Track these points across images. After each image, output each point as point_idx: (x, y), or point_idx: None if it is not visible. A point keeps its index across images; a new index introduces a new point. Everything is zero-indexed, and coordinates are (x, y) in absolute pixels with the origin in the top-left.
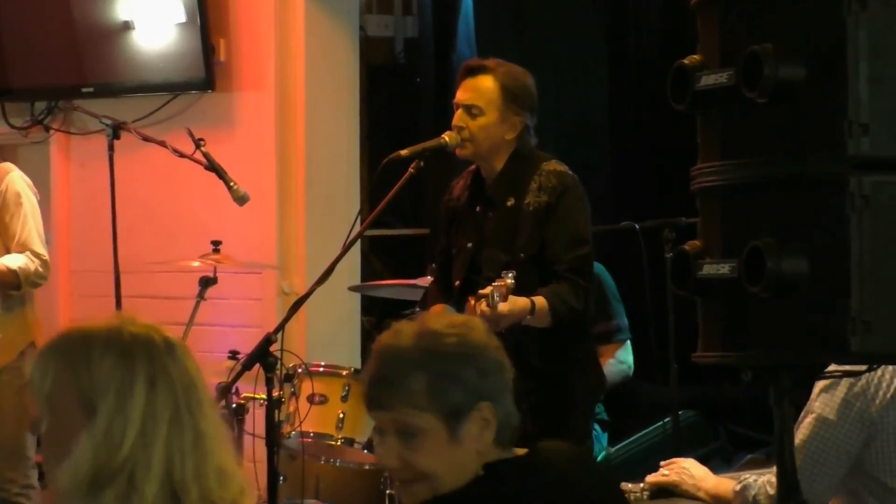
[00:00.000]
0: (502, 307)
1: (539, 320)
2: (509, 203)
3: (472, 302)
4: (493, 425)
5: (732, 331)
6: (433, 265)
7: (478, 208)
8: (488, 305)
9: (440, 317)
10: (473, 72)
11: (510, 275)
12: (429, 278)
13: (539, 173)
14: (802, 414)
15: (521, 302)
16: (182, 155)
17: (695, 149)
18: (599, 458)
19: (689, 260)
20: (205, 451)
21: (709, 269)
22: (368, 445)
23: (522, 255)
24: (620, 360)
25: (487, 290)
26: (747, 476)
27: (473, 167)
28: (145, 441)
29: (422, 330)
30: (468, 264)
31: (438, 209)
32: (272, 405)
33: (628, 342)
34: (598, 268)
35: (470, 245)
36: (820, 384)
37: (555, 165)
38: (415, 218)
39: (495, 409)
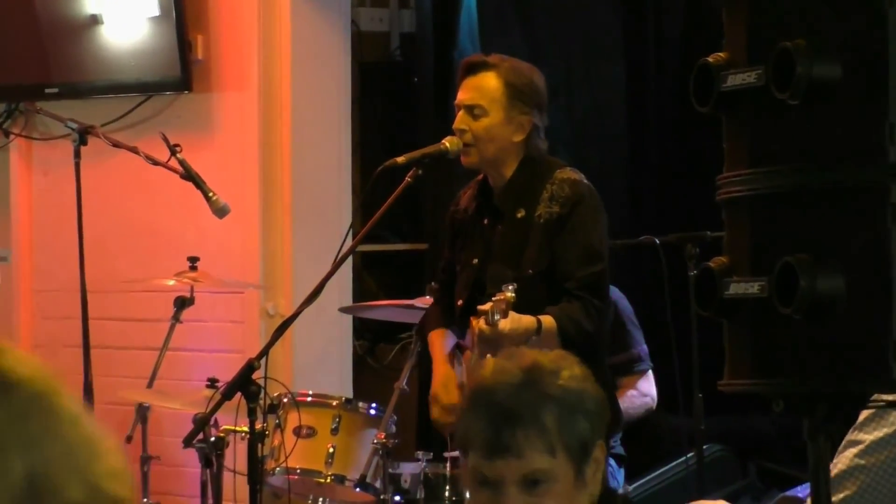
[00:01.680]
0: (503, 325)
1: (545, 342)
2: (519, 215)
3: (474, 322)
4: (603, 466)
5: (762, 356)
6: (434, 284)
7: (485, 221)
8: (487, 323)
9: (532, 350)
10: (474, 69)
11: (510, 288)
12: (428, 298)
13: (552, 182)
14: (842, 447)
15: (525, 320)
16: (156, 162)
17: (721, 155)
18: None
19: (715, 278)
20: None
21: (736, 288)
22: (361, 483)
23: (530, 270)
24: (643, 391)
25: (487, 306)
26: None
27: (481, 176)
28: None
29: (528, 363)
30: (473, 282)
31: (439, 221)
32: (255, 438)
33: (650, 372)
34: (614, 292)
35: (476, 261)
36: (862, 414)
37: (569, 173)
38: (413, 232)
39: (605, 448)
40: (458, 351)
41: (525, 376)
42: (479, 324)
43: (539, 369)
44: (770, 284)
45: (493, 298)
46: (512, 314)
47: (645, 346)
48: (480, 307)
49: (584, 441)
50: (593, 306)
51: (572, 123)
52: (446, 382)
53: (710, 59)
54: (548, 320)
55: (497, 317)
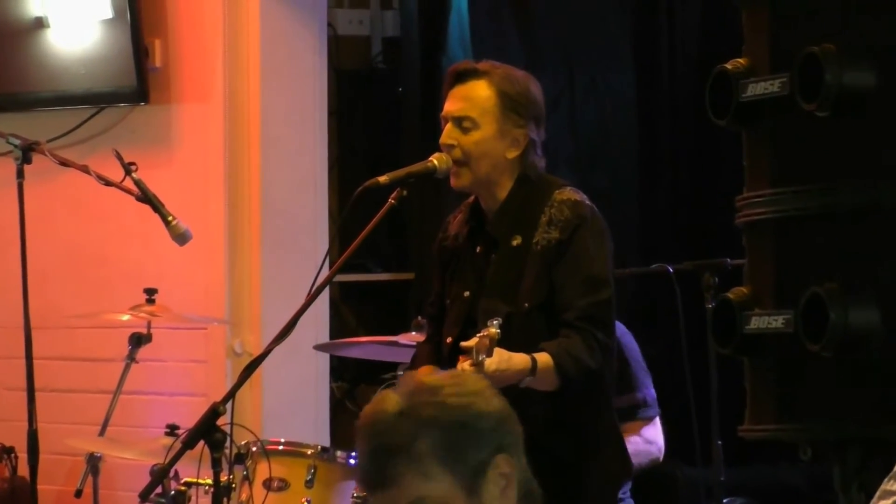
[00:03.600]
0: (488, 364)
1: (542, 382)
2: (515, 242)
3: (461, 362)
4: (515, 481)
5: (788, 398)
6: (421, 318)
7: (478, 249)
8: (473, 364)
9: (426, 373)
10: (463, 77)
11: (495, 323)
12: (413, 334)
13: (550, 204)
14: (875, 498)
15: (517, 359)
16: (108, 182)
17: (741, 173)
18: None
19: (735, 311)
20: None
21: (758, 322)
22: None
23: (527, 304)
24: (648, 438)
25: (472, 342)
26: None
27: (472, 199)
28: None
29: (412, 387)
30: (464, 317)
31: (426, 249)
32: (220, 492)
33: (657, 419)
34: (618, 328)
35: (467, 294)
36: None
37: (569, 193)
38: (397, 260)
39: (513, 461)
40: None
41: (402, 402)
42: (463, 364)
43: (418, 392)
44: (796, 318)
45: (478, 335)
46: (500, 352)
47: (653, 391)
48: (464, 344)
49: (474, 458)
50: (596, 340)
51: (575, 139)
52: None
53: (729, 66)
54: (543, 358)
55: (482, 356)
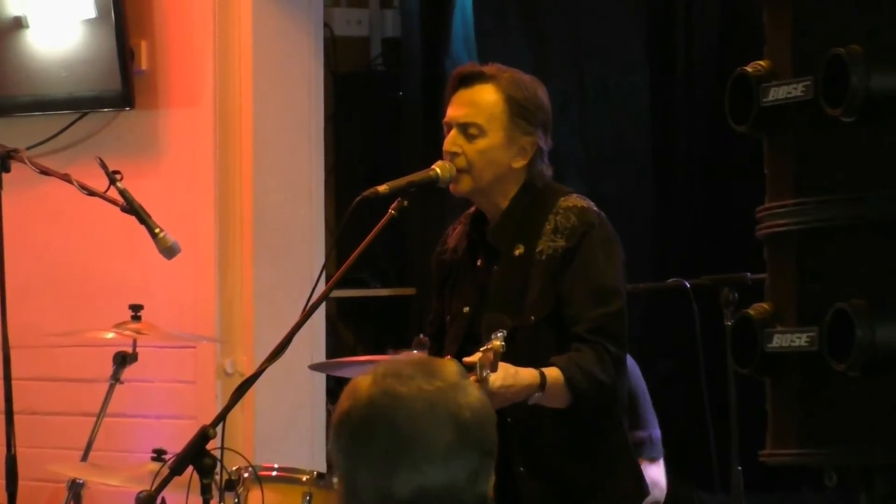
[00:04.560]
0: (493, 380)
1: (552, 398)
2: (517, 252)
3: None
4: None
5: (811, 421)
6: (423, 336)
7: (479, 261)
8: (477, 380)
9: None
10: (468, 81)
11: (499, 335)
12: (414, 353)
13: (555, 212)
14: None
15: (524, 374)
16: (92, 192)
17: (761, 183)
18: None
19: (756, 328)
20: None
21: (780, 339)
22: None
23: (533, 317)
24: (652, 478)
25: (475, 357)
26: None
27: (473, 209)
28: None
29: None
30: (464, 334)
31: (428, 262)
32: None
33: (661, 460)
34: (630, 366)
35: (467, 309)
36: None
37: (575, 200)
38: (397, 274)
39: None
40: None
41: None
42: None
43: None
44: (821, 336)
45: (481, 349)
46: (506, 367)
47: (658, 431)
48: (466, 360)
49: None
50: (608, 353)
51: (586, 145)
52: None
53: (749, 69)
54: (553, 373)
55: (486, 372)
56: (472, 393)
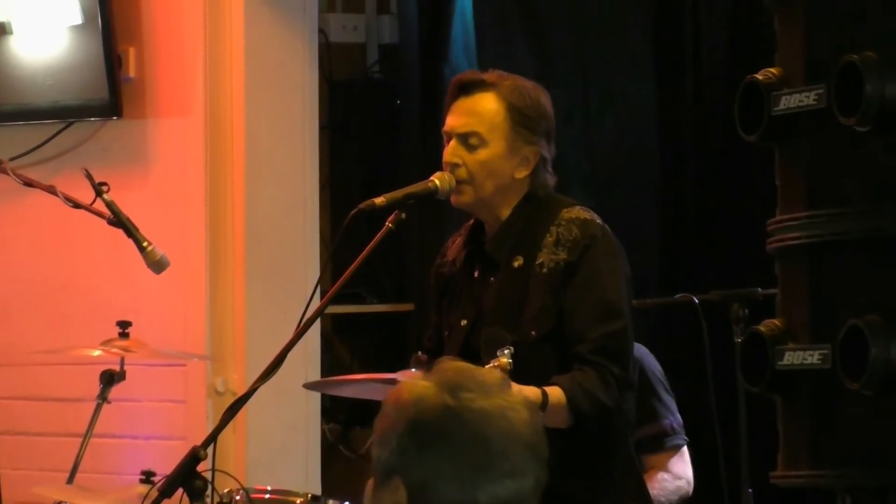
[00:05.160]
0: None
1: (553, 419)
2: (516, 263)
3: None
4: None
5: (825, 442)
6: (422, 354)
7: (475, 273)
8: None
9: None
10: (468, 89)
11: (506, 352)
12: (413, 371)
13: (557, 223)
14: None
15: (527, 392)
16: (77, 205)
17: (773, 194)
18: None
19: (767, 345)
20: None
21: (792, 357)
22: None
23: (533, 332)
24: (676, 473)
25: None
26: None
27: (473, 220)
28: None
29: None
30: (462, 349)
31: (427, 277)
32: None
33: (685, 448)
34: (638, 349)
35: (464, 323)
36: None
37: (578, 212)
38: (395, 290)
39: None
40: None
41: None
42: None
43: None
44: (834, 353)
45: (487, 366)
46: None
47: (678, 416)
48: None
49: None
50: (612, 374)
51: (591, 156)
52: None
53: (760, 77)
54: (555, 392)
55: None
56: (523, 406)
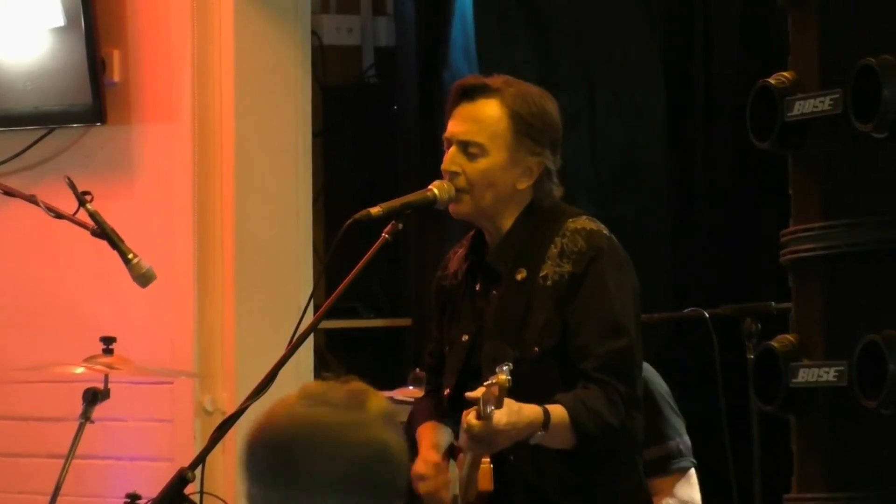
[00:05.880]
0: (498, 418)
1: (555, 438)
2: (519, 276)
3: (465, 416)
4: None
5: (841, 462)
6: (420, 371)
7: (477, 286)
8: (479, 417)
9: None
10: (470, 94)
11: (505, 369)
12: (411, 389)
13: (562, 234)
14: None
15: (527, 411)
16: (60, 215)
17: (786, 204)
18: None
19: (780, 362)
20: None
21: (807, 374)
22: None
23: (536, 348)
24: (682, 498)
25: (477, 392)
26: None
27: (474, 231)
28: None
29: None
30: (463, 365)
31: (426, 290)
32: None
33: (692, 471)
34: (645, 369)
35: (466, 338)
36: None
37: (584, 222)
38: (392, 304)
39: None
40: (449, 454)
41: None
42: (467, 417)
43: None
44: (850, 370)
45: (485, 384)
46: (510, 403)
47: (686, 438)
48: (469, 395)
49: None
50: (618, 393)
51: (597, 164)
52: (427, 458)
53: (772, 81)
54: (558, 411)
55: (490, 408)
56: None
